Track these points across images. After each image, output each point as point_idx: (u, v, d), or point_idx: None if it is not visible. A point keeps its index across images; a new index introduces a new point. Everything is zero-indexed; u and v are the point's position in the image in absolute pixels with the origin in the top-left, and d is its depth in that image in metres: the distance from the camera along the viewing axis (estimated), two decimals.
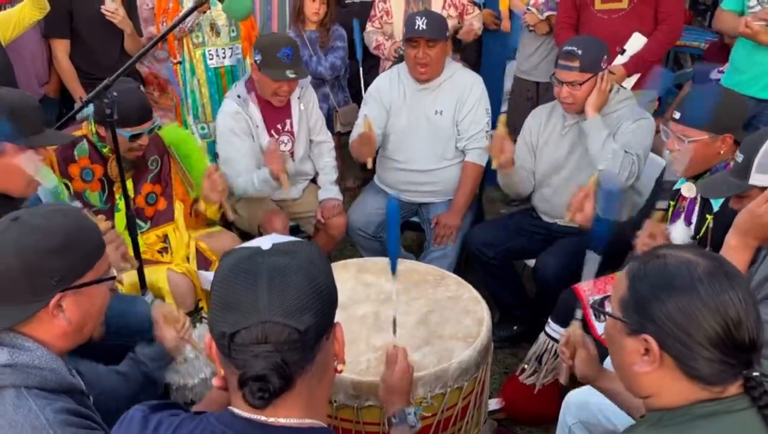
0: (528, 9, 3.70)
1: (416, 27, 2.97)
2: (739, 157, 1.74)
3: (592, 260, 1.72)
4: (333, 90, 3.84)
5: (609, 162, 2.60)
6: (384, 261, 2.44)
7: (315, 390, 1.06)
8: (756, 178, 1.68)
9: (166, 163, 2.76)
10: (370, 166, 3.07)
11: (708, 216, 2.19)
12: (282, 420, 1.03)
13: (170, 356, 1.89)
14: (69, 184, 2.50)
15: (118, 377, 1.75)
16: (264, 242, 1.07)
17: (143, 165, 2.68)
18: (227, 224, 3.09)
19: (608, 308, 1.20)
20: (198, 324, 2.06)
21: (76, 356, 1.52)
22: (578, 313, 1.70)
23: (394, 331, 1.76)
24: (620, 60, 3.27)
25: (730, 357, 1.05)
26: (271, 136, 3.12)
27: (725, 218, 1.79)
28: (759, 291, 1.70)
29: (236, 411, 1.04)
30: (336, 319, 1.11)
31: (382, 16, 3.75)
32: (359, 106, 3.41)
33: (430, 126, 3.15)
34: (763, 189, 1.67)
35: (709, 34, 5.07)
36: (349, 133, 3.44)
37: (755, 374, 1.06)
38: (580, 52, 2.62)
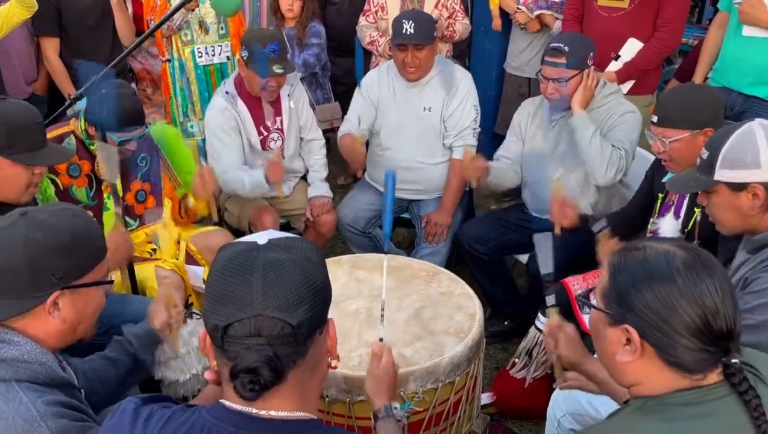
0: (519, 8, 3.71)
1: (404, 31, 2.93)
2: (705, 154, 1.76)
3: (543, 241, 1.72)
4: (311, 88, 3.80)
5: (597, 157, 2.62)
6: (377, 258, 2.45)
7: (307, 384, 1.06)
8: (721, 174, 1.71)
9: (155, 161, 2.75)
10: (360, 175, 3.08)
11: (696, 209, 2.21)
12: (273, 413, 1.04)
13: (156, 337, 1.87)
14: (56, 179, 2.48)
15: (106, 362, 1.75)
16: (260, 237, 1.08)
17: (133, 162, 2.67)
18: (217, 222, 3.08)
19: (593, 300, 1.22)
20: (189, 320, 2.05)
21: (65, 352, 1.52)
22: (549, 299, 1.71)
23: (382, 320, 1.76)
24: (614, 66, 3.26)
25: (708, 345, 1.08)
26: (259, 133, 3.10)
27: None
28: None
29: (227, 403, 1.05)
30: (329, 315, 1.11)
31: (377, 11, 3.70)
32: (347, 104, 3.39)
33: (418, 123, 3.14)
34: (728, 184, 1.69)
35: (698, 29, 5.10)
36: (328, 130, 3.42)
37: (734, 361, 1.09)
38: (566, 48, 2.63)
